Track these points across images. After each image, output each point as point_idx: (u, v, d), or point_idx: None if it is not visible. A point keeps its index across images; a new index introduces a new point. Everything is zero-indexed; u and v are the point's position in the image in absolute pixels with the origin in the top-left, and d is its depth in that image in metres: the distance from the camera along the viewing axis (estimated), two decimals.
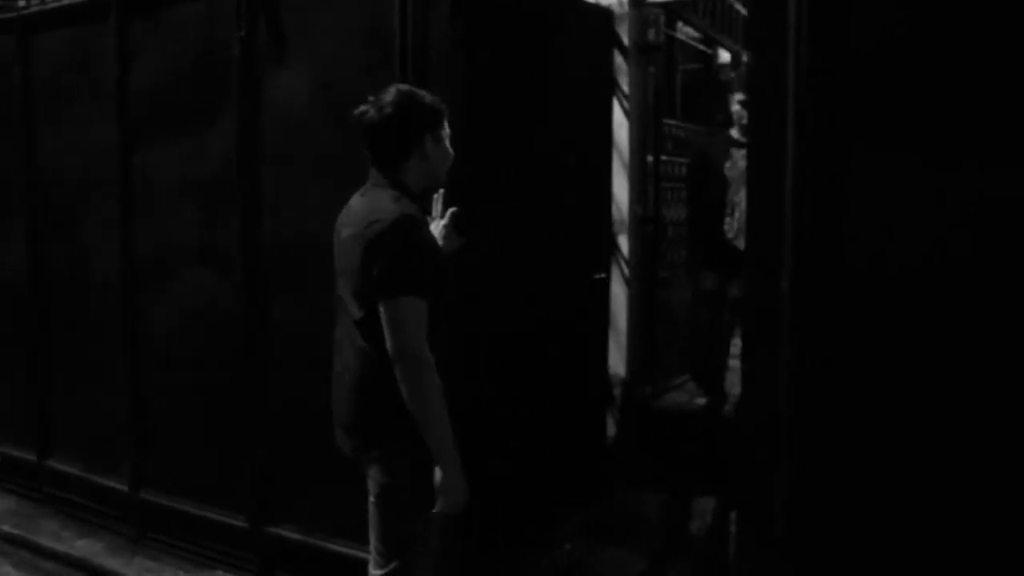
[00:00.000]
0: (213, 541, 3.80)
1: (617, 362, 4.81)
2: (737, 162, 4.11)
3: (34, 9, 4.47)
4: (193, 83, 3.73)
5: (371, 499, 2.42)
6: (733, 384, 4.29)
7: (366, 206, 2.37)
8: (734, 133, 4.20)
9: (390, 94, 2.41)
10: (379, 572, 2.42)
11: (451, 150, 2.54)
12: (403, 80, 3.10)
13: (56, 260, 4.38)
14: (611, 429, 4.74)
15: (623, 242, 4.88)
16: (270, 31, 3.46)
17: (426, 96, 2.47)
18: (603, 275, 4.27)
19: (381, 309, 2.25)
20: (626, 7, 4.70)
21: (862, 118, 2.16)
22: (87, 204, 4.18)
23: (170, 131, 3.82)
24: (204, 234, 3.75)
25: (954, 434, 2.08)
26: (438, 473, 2.31)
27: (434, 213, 2.86)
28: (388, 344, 2.24)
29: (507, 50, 3.50)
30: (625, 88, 4.70)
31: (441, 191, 2.82)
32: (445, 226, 2.80)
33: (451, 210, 2.75)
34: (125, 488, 4.11)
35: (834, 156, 2.18)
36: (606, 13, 4.53)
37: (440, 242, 2.80)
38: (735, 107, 4.08)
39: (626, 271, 4.85)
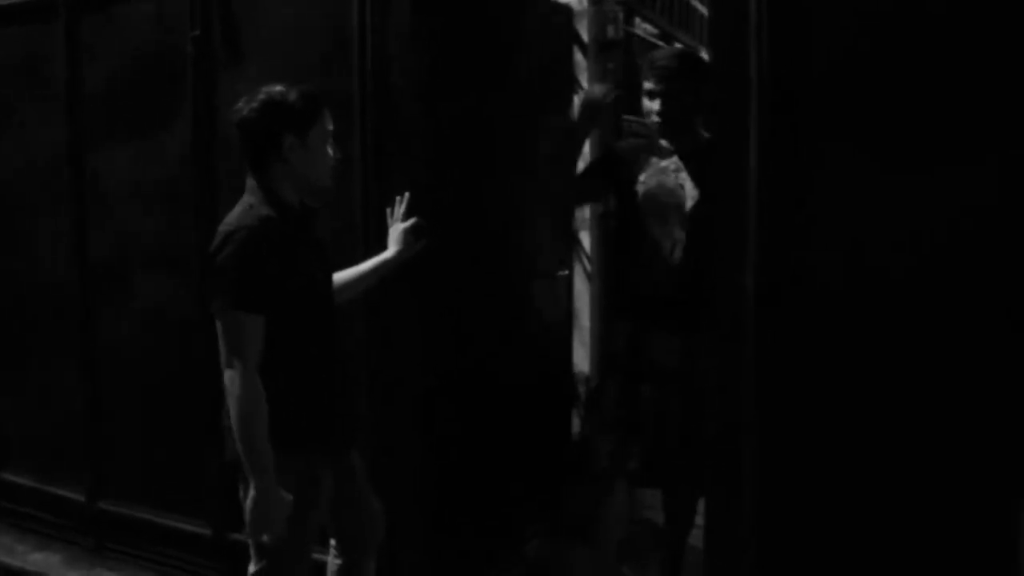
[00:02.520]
0: (176, 549, 3.72)
1: (582, 359, 4.81)
2: (659, 176, 3.07)
3: None
4: (146, 83, 3.65)
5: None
6: None
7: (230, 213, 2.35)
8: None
9: (264, 93, 2.33)
10: (252, 568, 2.46)
11: (331, 152, 2.43)
12: (361, 75, 3.07)
13: (6, 267, 4.26)
14: (577, 426, 4.73)
15: (584, 238, 4.88)
16: (225, 29, 3.40)
17: (297, 92, 2.35)
18: (566, 272, 4.25)
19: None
20: (585, 4, 4.71)
21: (825, 126, 2.18)
22: (38, 209, 4.07)
23: (124, 133, 3.73)
24: (160, 237, 3.67)
25: (912, 432, 2.12)
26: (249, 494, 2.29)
27: (394, 216, 2.84)
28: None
29: (467, 46, 3.47)
30: (585, 84, 4.69)
31: (407, 194, 2.80)
32: (404, 230, 2.78)
33: (409, 223, 2.77)
34: (82, 498, 4.01)
35: (798, 164, 2.20)
36: (566, 9, 4.52)
37: (398, 245, 2.78)
38: (644, 101, 3.08)
39: (588, 267, 4.85)
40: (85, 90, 3.82)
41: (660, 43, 6.35)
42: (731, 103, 2.28)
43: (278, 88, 2.36)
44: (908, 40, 2.07)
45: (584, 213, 4.86)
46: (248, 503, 2.30)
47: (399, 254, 2.79)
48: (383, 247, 2.85)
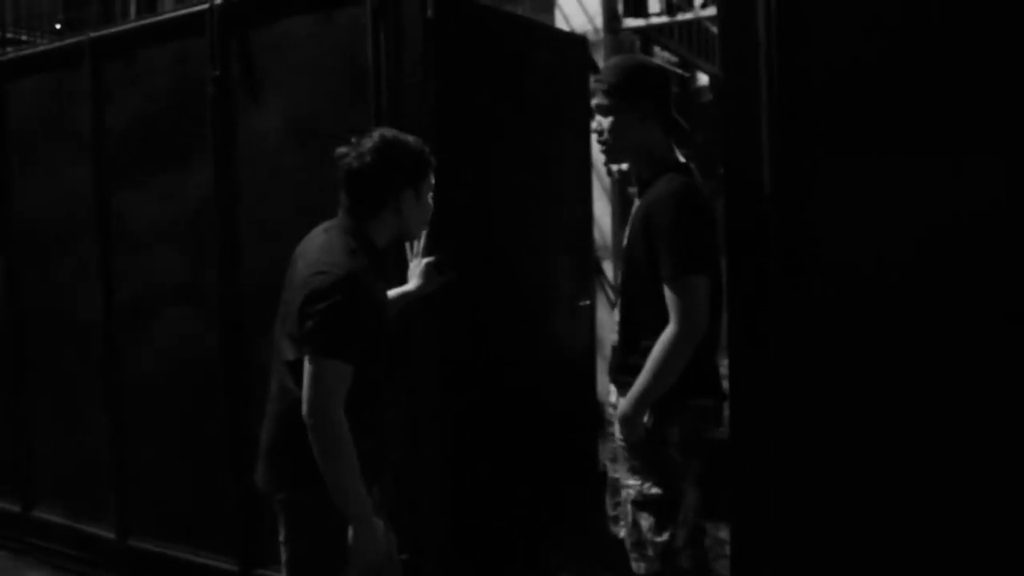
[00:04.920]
0: None
1: (607, 388, 4.78)
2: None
3: (9, 56, 4.48)
4: (168, 124, 3.72)
5: (281, 539, 2.37)
6: None
7: (322, 248, 2.30)
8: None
9: (372, 140, 2.31)
10: None
11: (431, 204, 2.44)
12: (377, 110, 3.10)
13: (35, 305, 4.34)
14: (604, 454, 4.70)
15: (608, 268, 4.87)
16: (244, 70, 3.46)
17: (412, 145, 2.35)
18: (587, 302, 4.24)
19: (305, 361, 2.20)
20: (601, 34, 4.73)
21: (832, 137, 2.19)
22: (65, 248, 4.15)
23: (147, 172, 3.80)
24: (183, 274, 3.72)
25: (911, 431, 2.11)
26: (351, 531, 2.25)
27: (415, 250, 2.85)
28: (303, 397, 2.19)
29: (481, 80, 3.51)
30: None
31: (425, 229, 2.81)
32: (426, 264, 2.78)
33: (428, 259, 2.74)
34: (112, 535, 4.04)
35: (805, 173, 2.21)
36: (580, 40, 4.55)
37: (420, 280, 2.79)
38: (595, 120, 2.66)
39: (612, 296, 4.84)
40: (110, 131, 3.91)
41: (680, 71, 6.38)
42: (743, 122, 2.28)
43: (391, 135, 2.35)
44: (909, 55, 2.09)
45: (607, 242, 4.86)
46: (352, 541, 2.26)
47: (420, 289, 2.79)
48: (402, 280, 2.86)
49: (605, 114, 2.60)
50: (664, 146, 2.64)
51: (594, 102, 2.64)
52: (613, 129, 2.59)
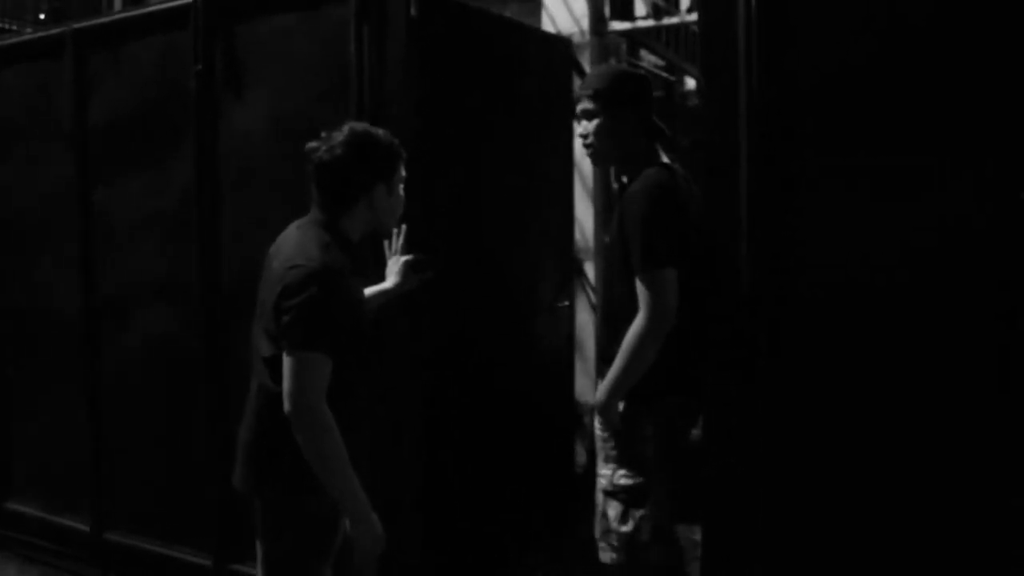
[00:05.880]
0: None
1: (587, 390, 4.79)
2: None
3: None
4: (151, 117, 3.71)
5: (257, 539, 2.36)
6: None
7: (296, 244, 2.29)
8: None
9: (343, 133, 2.31)
10: None
11: (403, 196, 2.45)
12: (359, 108, 3.10)
13: (13, 299, 4.31)
14: (582, 456, 4.72)
15: (589, 269, 4.89)
16: (228, 65, 3.46)
17: (382, 138, 2.36)
18: (566, 303, 4.26)
19: (284, 356, 2.19)
20: (587, 36, 4.74)
21: (812, 150, 2.21)
22: (46, 241, 4.13)
23: (129, 166, 3.79)
24: (164, 269, 3.71)
25: (895, 433, 2.14)
26: (347, 522, 2.26)
27: (393, 248, 2.86)
28: (284, 393, 2.18)
29: (466, 80, 3.52)
30: None
31: (404, 227, 2.81)
32: (404, 263, 2.79)
33: (409, 257, 2.76)
34: (87, 528, 4.02)
35: (790, 175, 2.23)
36: (565, 41, 4.56)
37: (398, 278, 2.80)
38: (581, 124, 2.76)
39: (593, 298, 4.85)
40: (91, 125, 3.89)
41: (666, 75, 6.40)
42: (722, 130, 2.30)
43: (361, 128, 2.36)
44: (890, 64, 2.11)
45: (588, 243, 4.87)
46: (351, 532, 2.27)
47: (398, 287, 2.80)
48: (380, 278, 2.87)
49: (590, 118, 2.70)
50: (648, 149, 2.74)
51: (579, 107, 2.74)
52: (598, 133, 2.69)
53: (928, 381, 2.10)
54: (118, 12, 5.43)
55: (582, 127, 2.74)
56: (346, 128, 2.33)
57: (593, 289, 4.85)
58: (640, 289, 2.52)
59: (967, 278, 2.04)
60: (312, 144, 2.32)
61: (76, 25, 3.94)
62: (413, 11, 3.10)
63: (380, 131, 2.39)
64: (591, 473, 4.57)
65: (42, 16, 7.30)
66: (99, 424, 3.97)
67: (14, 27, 7.40)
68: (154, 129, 3.70)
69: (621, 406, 2.63)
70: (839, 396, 2.20)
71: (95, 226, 3.91)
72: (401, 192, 2.44)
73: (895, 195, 2.11)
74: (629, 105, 2.70)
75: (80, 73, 3.89)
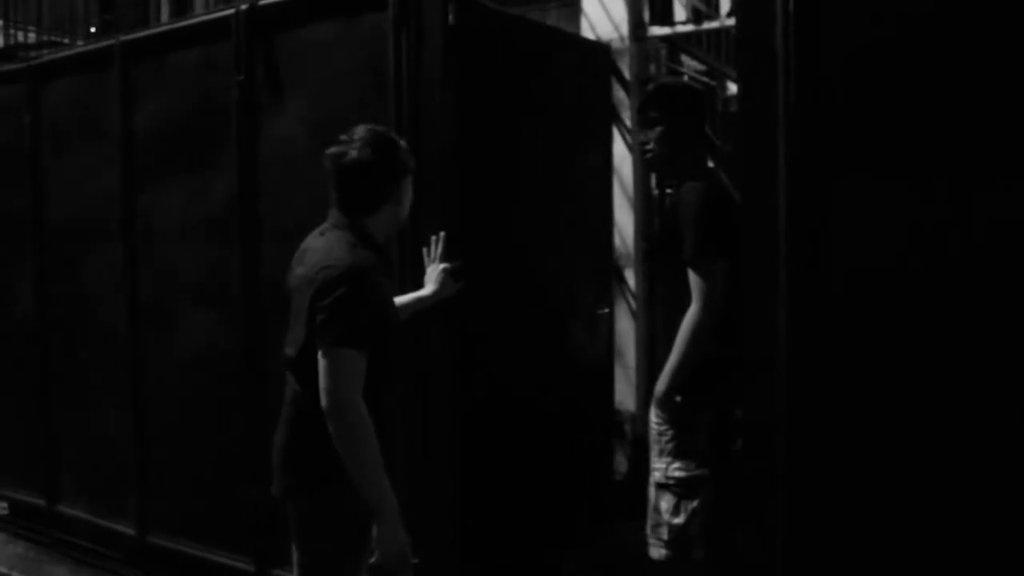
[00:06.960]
0: None
1: (627, 397, 4.77)
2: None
3: (44, 59, 4.57)
4: (194, 127, 3.78)
5: (293, 544, 2.37)
6: None
7: (322, 249, 2.30)
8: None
9: (361, 133, 2.32)
10: None
11: (412, 194, 2.49)
12: (397, 115, 3.12)
13: (62, 304, 4.42)
14: (622, 464, 4.69)
15: (630, 276, 4.85)
16: (268, 74, 3.51)
17: (393, 136, 2.40)
18: (605, 310, 4.24)
19: (319, 355, 2.20)
20: (626, 42, 4.72)
21: (848, 148, 2.17)
22: (93, 247, 4.23)
23: (172, 174, 3.86)
24: (206, 275, 3.77)
25: (931, 436, 2.08)
26: (375, 523, 2.25)
27: (432, 255, 2.87)
28: (321, 391, 2.18)
29: (503, 86, 3.52)
30: (628, 122, 4.70)
31: (442, 233, 2.83)
32: (443, 270, 2.81)
33: (448, 264, 2.80)
34: (132, 532, 4.09)
35: (823, 190, 2.20)
36: (604, 48, 4.55)
37: (436, 285, 2.81)
38: (647, 133, 2.97)
39: (633, 305, 4.82)
40: (137, 133, 3.97)
41: (708, 80, 6.34)
42: (760, 137, 2.28)
43: (379, 129, 2.39)
44: (929, 61, 2.07)
45: (629, 250, 4.84)
46: (377, 533, 2.25)
47: (435, 294, 2.81)
48: (418, 284, 2.88)
49: (653, 126, 2.92)
50: (700, 156, 2.98)
51: (642, 115, 2.98)
52: (660, 140, 2.91)
53: (967, 378, 2.04)
54: (164, 24, 5.54)
55: (643, 134, 2.98)
56: (362, 130, 2.35)
57: (634, 296, 4.82)
58: (692, 278, 2.68)
59: (1014, 277, 1.99)
60: (333, 149, 2.34)
61: (124, 37, 4.04)
62: (451, 19, 3.12)
63: (383, 128, 2.43)
64: (631, 481, 4.56)
65: (93, 29, 7.46)
66: (144, 428, 4.03)
67: (67, 40, 7.57)
68: (197, 137, 3.77)
69: (678, 398, 2.76)
70: (875, 394, 2.16)
71: (140, 232, 3.99)
72: (411, 190, 2.48)
73: (935, 196, 2.07)
74: (688, 114, 2.92)
75: (127, 83, 3.98)
